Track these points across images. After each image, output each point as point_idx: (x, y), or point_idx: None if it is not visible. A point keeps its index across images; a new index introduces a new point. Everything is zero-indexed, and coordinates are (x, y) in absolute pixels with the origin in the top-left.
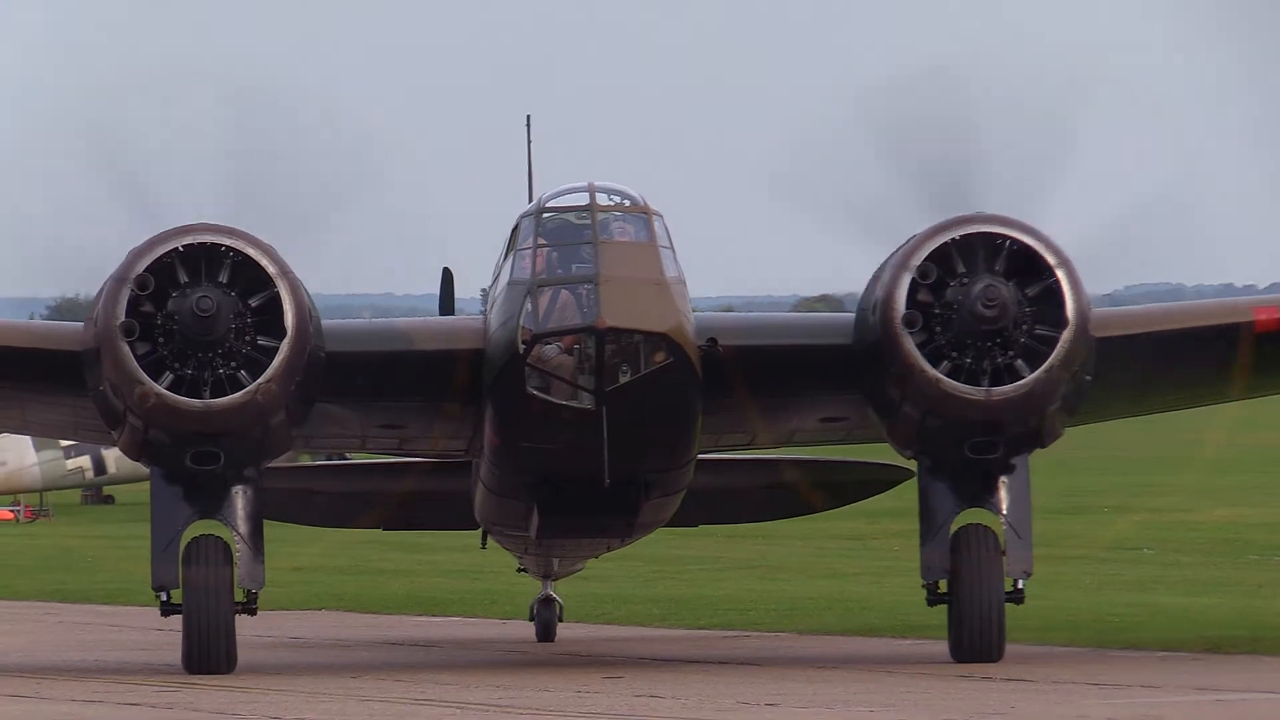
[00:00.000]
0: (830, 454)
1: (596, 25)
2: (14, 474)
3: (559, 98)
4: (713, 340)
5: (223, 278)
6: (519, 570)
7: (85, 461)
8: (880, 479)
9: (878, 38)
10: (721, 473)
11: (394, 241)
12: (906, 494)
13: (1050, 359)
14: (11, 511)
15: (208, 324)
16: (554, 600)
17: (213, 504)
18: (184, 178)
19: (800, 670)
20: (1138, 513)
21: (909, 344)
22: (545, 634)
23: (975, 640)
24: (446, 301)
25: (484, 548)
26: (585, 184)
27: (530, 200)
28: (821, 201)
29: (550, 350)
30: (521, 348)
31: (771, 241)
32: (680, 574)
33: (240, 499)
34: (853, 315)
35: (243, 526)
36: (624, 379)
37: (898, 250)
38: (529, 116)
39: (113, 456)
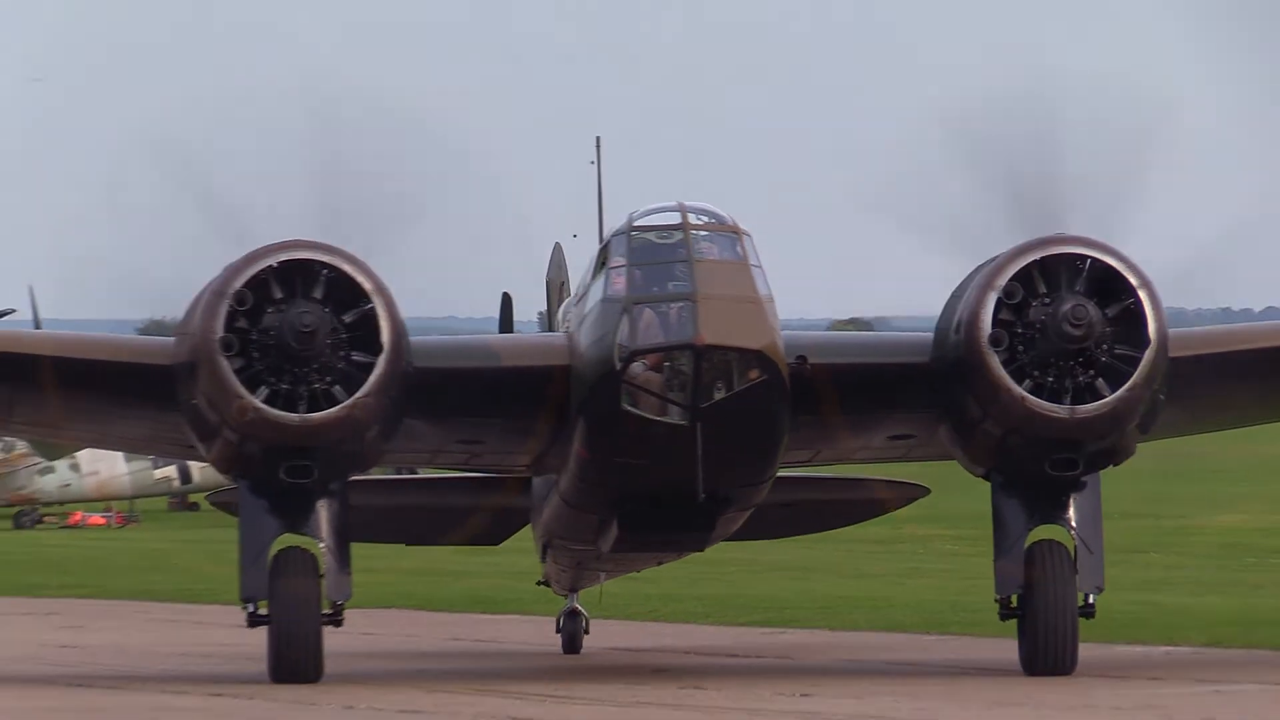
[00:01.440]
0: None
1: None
2: (106, 482)
3: (624, 119)
4: (802, 358)
5: (317, 293)
6: (539, 583)
7: (172, 471)
8: (899, 496)
9: (960, 58)
10: None
11: (459, 264)
12: (925, 502)
13: (1133, 378)
14: (104, 517)
15: (308, 339)
16: (580, 613)
17: (300, 517)
18: (267, 197)
19: (833, 663)
20: (1144, 518)
21: (995, 363)
22: (571, 646)
23: (1049, 654)
24: (505, 325)
25: (544, 560)
26: (674, 203)
27: (600, 222)
28: (913, 220)
29: (646, 367)
30: (618, 364)
31: (807, 263)
32: (721, 575)
33: (327, 512)
34: (928, 335)
35: (329, 539)
36: (718, 395)
37: (980, 270)
38: (599, 138)
39: (197, 466)
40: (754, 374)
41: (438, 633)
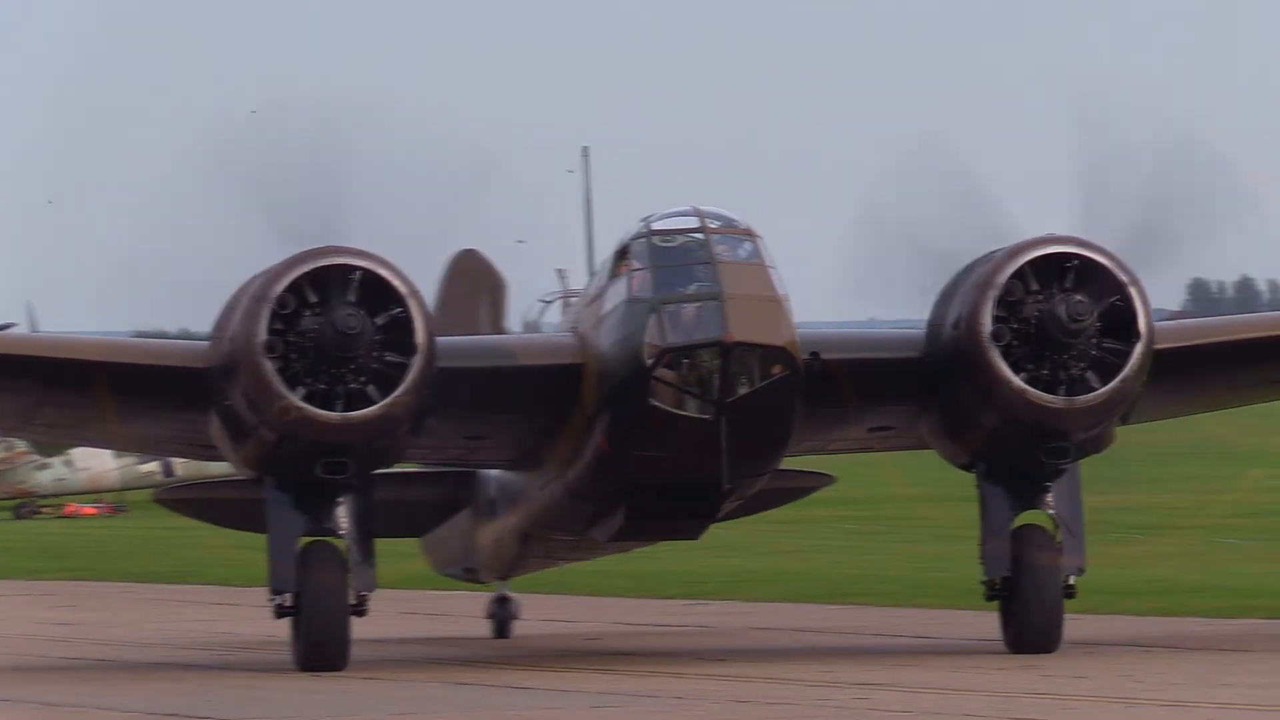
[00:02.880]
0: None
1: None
2: (97, 477)
3: (610, 132)
4: (815, 354)
5: (351, 296)
6: (444, 572)
7: (156, 466)
8: (815, 484)
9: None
10: None
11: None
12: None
13: (1125, 370)
14: (95, 507)
15: (352, 341)
16: (510, 599)
17: (325, 511)
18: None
19: (745, 634)
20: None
21: (996, 357)
22: (501, 632)
23: (1035, 633)
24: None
25: (465, 557)
26: (689, 207)
27: (588, 230)
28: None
29: (676, 363)
30: (648, 361)
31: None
32: (650, 552)
33: (351, 506)
34: (916, 331)
35: (353, 532)
36: (742, 390)
37: (973, 269)
38: (585, 148)
39: (180, 461)
40: (777, 369)
41: (391, 608)
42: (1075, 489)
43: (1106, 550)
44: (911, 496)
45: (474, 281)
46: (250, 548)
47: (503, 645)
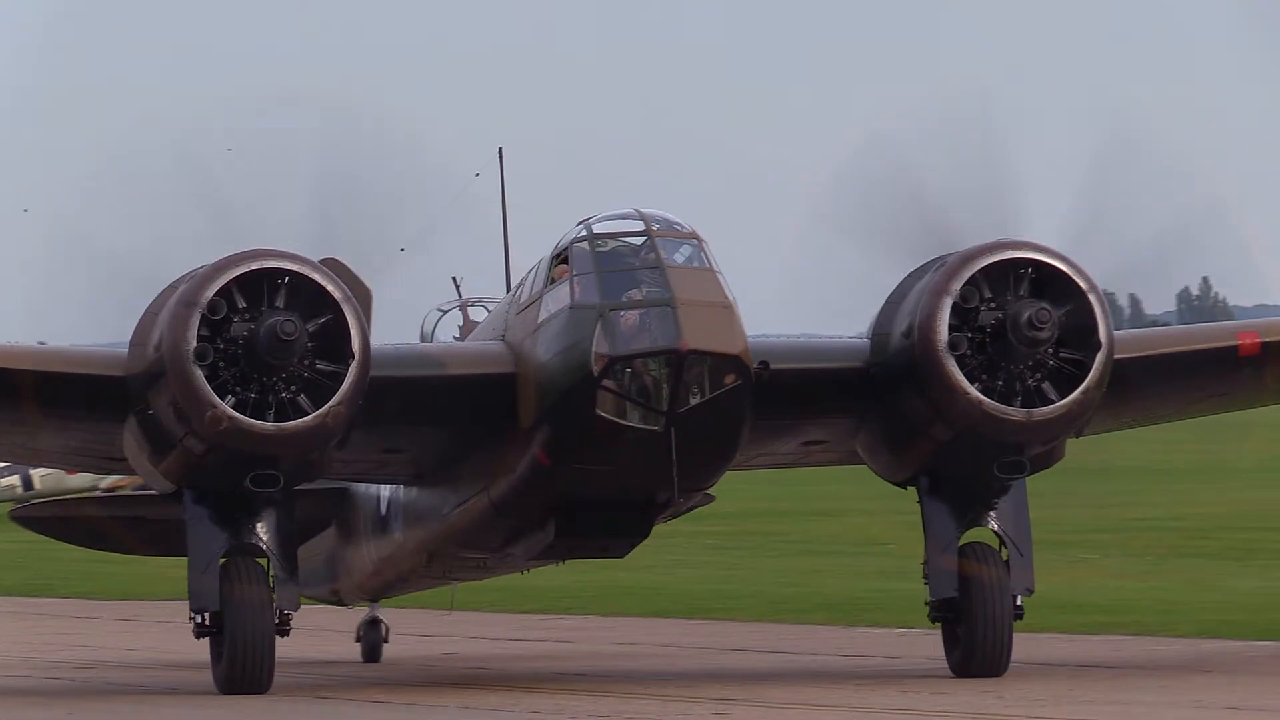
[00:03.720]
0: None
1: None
2: None
3: (530, 133)
4: (765, 364)
5: (279, 302)
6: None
7: (15, 480)
8: (700, 501)
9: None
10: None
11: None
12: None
13: (1086, 381)
14: None
15: (288, 348)
16: (380, 621)
17: (247, 526)
18: (271, 206)
19: (605, 649)
20: (887, 515)
21: (953, 366)
22: (372, 655)
23: (985, 657)
24: None
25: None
26: (631, 209)
27: (505, 235)
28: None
29: (625, 373)
30: (595, 370)
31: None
32: None
33: (273, 520)
34: (858, 340)
35: (276, 548)
36: (694, 400)
37: (923, 274)
38: (500, 149)
39: (39, 475)
40: (730, 379)
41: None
42: (1022, 505)
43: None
44: (772, 511)
45: None
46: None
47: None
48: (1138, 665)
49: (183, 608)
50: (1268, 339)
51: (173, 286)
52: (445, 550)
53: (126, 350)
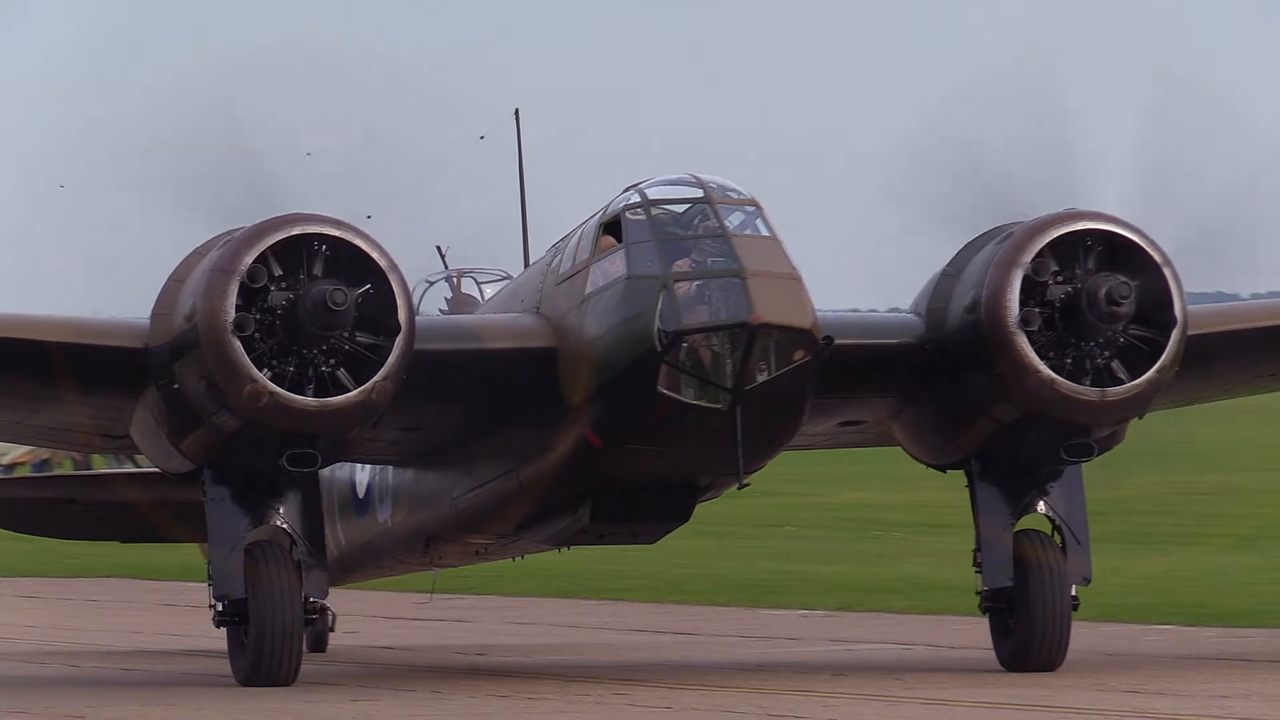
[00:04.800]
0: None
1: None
2: None
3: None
4: (829, 339)
5: (316, 269)
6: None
7: None
8: None
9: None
10: None
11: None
12: None
13: (1162, 359)
14: None
15: (337, 318)
16: (328, 609)
17: (272, 507)
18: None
19: (504, 629)
20: (784, 495)
21: (1023, 343)
22: (317, 644)
23: (1041, 649)
24: None
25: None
26: (688, 175)
27: (521, 200)
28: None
29: (690, 348)
30: (658, 345)
31: None
32: None
33: (299, 501)
34: (908, 315)
35: (303, 530)
36: (761, 377)
37: (988, 245)
38: (517, 111)
39: None
40: (799, 354)
41: (152, 598)
42: (1078, 489)
43: (863, 549)
44: None
45: None
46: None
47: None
48: None
49: (87, 585)
50: None
51: (199, 252)
52: (448, 535)
53: (148, 320)
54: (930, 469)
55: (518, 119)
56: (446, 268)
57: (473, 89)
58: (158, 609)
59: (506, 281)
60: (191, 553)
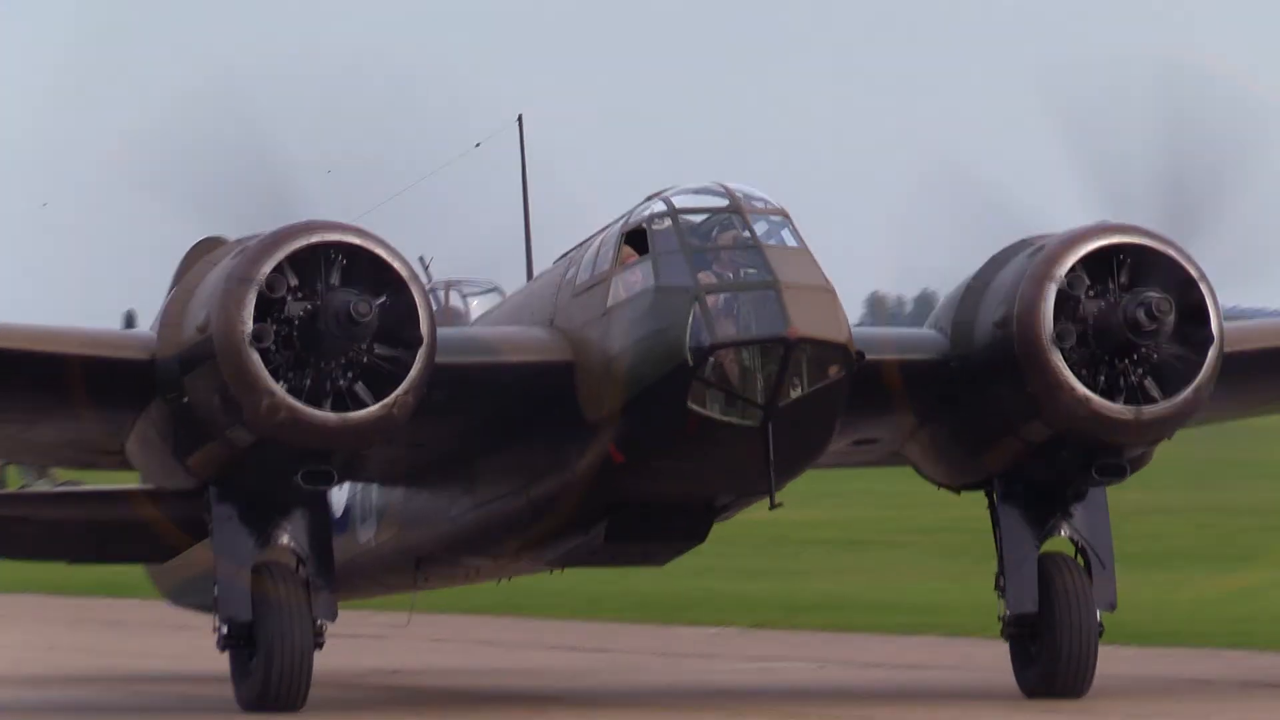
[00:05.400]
0: None
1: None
2: None
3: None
4: (861, 354)
5: (334, 279)
6: (182, 602)
7: None
8: None
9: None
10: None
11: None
12: None
13: (1199, 377)
14: None
15: (361, 330)
16: None
17: (280, 526)
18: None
19: (424, 644)
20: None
21: (1058, 360)
22: None
23: (1068, 676)
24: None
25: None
26: (715, 184)
27: (525, 208)
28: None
29: (724, 362)
30: (690, 359)
31: None
32: None
33: (307, 520)
34: (929, 331)
35: (312, 551)
36: (795, 394)
37: (1017, 258)
38: (520, 116)
39: None
40: (834, 370)
41: (66, 614)
42: (1102, 512)
43: (783, 565)
44: None
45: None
46: None
47: None
48: (951, 666)
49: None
50: None
51: (209, 261)
52: (442, 556)
53: (154, 330)
54: (943, 489)
55: (520, 126)
56: (431, 279)
57: (475, 95)
58: (73, 625)
59: (494, 293)
60: (108, 569)
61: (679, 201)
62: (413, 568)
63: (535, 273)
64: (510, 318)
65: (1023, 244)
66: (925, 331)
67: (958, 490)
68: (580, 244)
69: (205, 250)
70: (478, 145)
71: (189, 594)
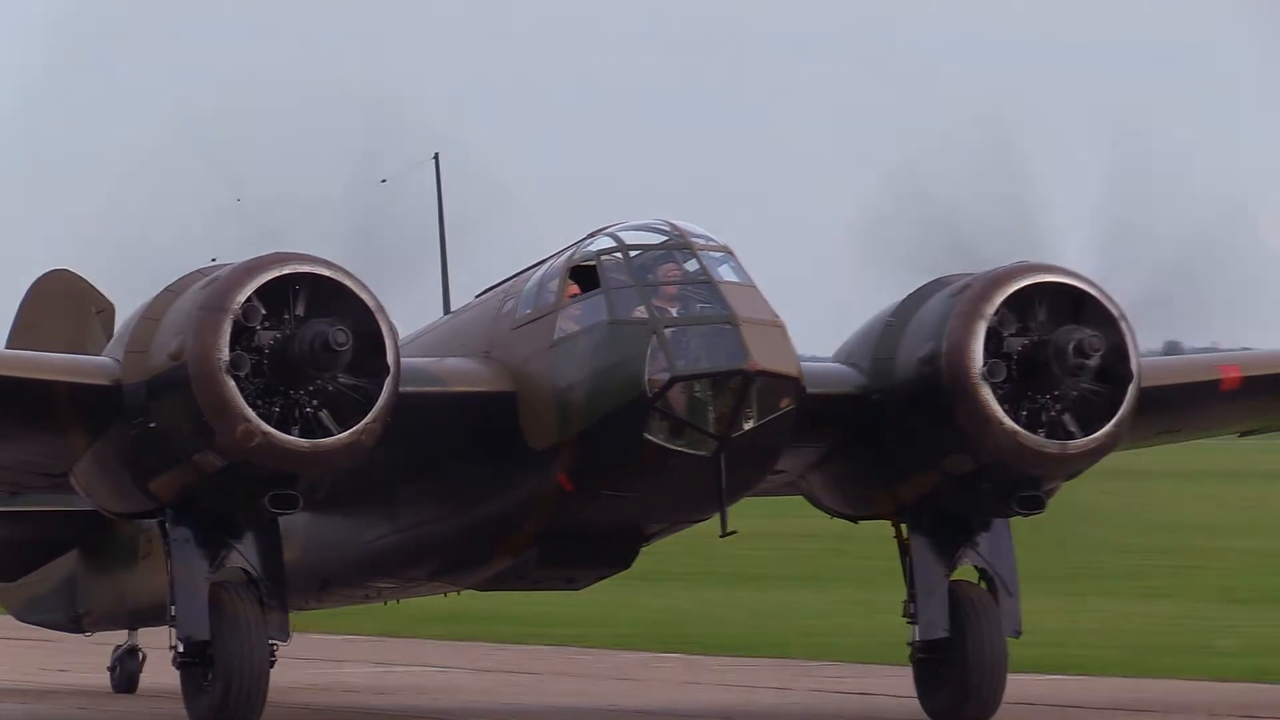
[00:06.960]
0: None
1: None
2: None
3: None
4: (803, 387)
5: (299, 309)
6: (34, 619)
7: None
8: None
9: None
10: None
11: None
12: None
13: (1120, 413)
14: None
15: (336, 359)
16: (139, 650)
17: (230, 549)
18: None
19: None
20: None
21: (988, 395)
22: (128, 685)
23: (979, 700)
24: None
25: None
26: (659, 220)
27: (441, 246)
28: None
29: (682, 394)
30: (650, 390)
31: None
32: None
33: (260, 542)
34: (840, 365)
35: (264, 573)
36: (747, 425)
37: (937, 295)
38: (437, 155)
39: None
40: (784, 401)
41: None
42: (1007, 540)
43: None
44: None
45: (77, 304)
46: None
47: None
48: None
49: None
50: (1249, 373)
51: (171, 290)
52: (349, 578)
53: (113, 356)
54: (838, 518)
55: (437, 164)
56: None
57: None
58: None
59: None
60: None
61: (626, 237)
62: (316, 589)
63: (454, 306)
64: (438, 348)
65: (938, 283)
66: (837, 366)
67: (856, 520)
68: (512, 276)
69: (58, 283)
70: (383, 181)
71: (38, 611)
